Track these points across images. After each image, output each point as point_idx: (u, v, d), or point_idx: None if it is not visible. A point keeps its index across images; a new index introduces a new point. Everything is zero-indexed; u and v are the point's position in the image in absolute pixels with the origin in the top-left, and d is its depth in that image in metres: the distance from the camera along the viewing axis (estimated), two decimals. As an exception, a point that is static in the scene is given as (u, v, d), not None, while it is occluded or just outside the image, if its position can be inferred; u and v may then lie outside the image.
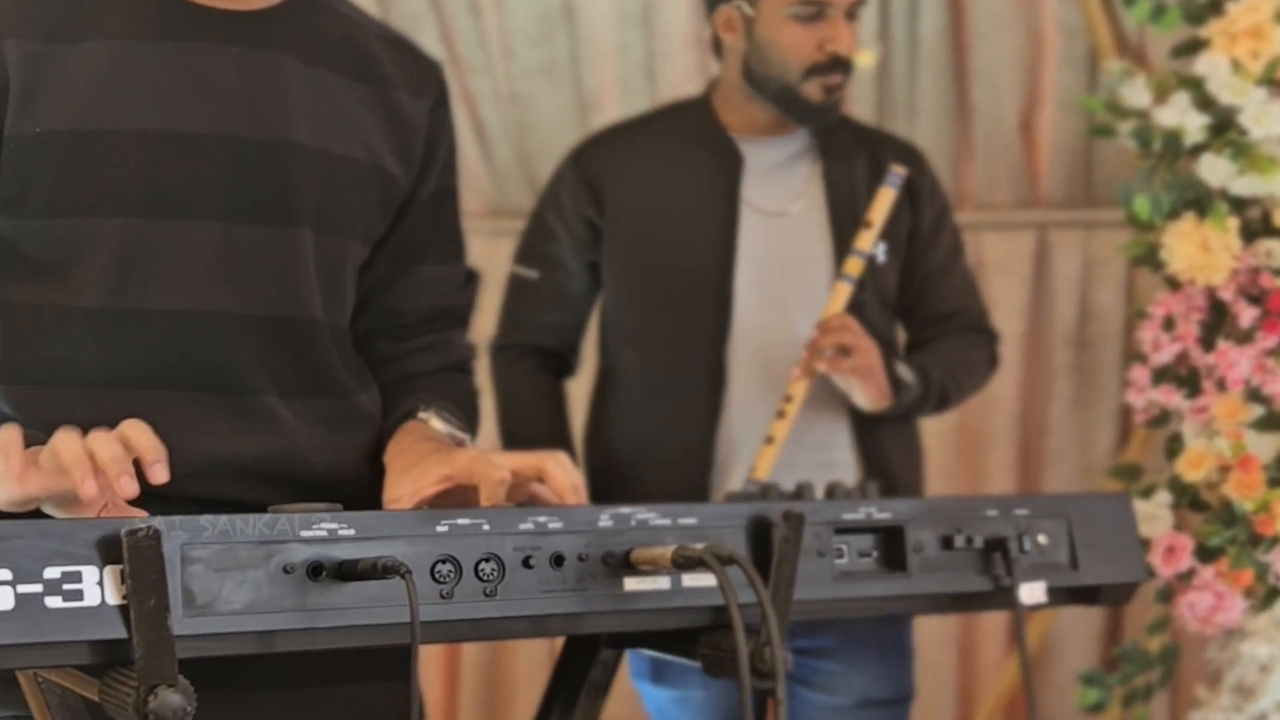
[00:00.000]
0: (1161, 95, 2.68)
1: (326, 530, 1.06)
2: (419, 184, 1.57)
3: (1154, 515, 2.65)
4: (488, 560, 1.12)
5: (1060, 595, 1.41)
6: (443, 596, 1.10)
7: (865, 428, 2.30)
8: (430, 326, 1.62)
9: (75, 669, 1.06)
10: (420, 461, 1.37)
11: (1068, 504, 1.40)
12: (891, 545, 1.31)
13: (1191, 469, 2.65)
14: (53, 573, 0.98)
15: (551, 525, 1.14)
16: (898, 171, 2.28)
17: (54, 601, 0.98)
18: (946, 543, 1.33)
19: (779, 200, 2.34)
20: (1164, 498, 2.67)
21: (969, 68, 3.28)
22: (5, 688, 1.17)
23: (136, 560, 0.99)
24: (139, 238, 1.39)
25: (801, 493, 1.33)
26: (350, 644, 1.08)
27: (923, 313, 2.41)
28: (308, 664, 1.13)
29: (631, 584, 1.17)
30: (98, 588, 1.00)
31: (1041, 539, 1.37)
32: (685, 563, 1.14)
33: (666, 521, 1.19)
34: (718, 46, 2.39)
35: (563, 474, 1.29)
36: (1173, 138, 2.65)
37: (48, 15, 1.38)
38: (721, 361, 2.29)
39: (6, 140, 1.36)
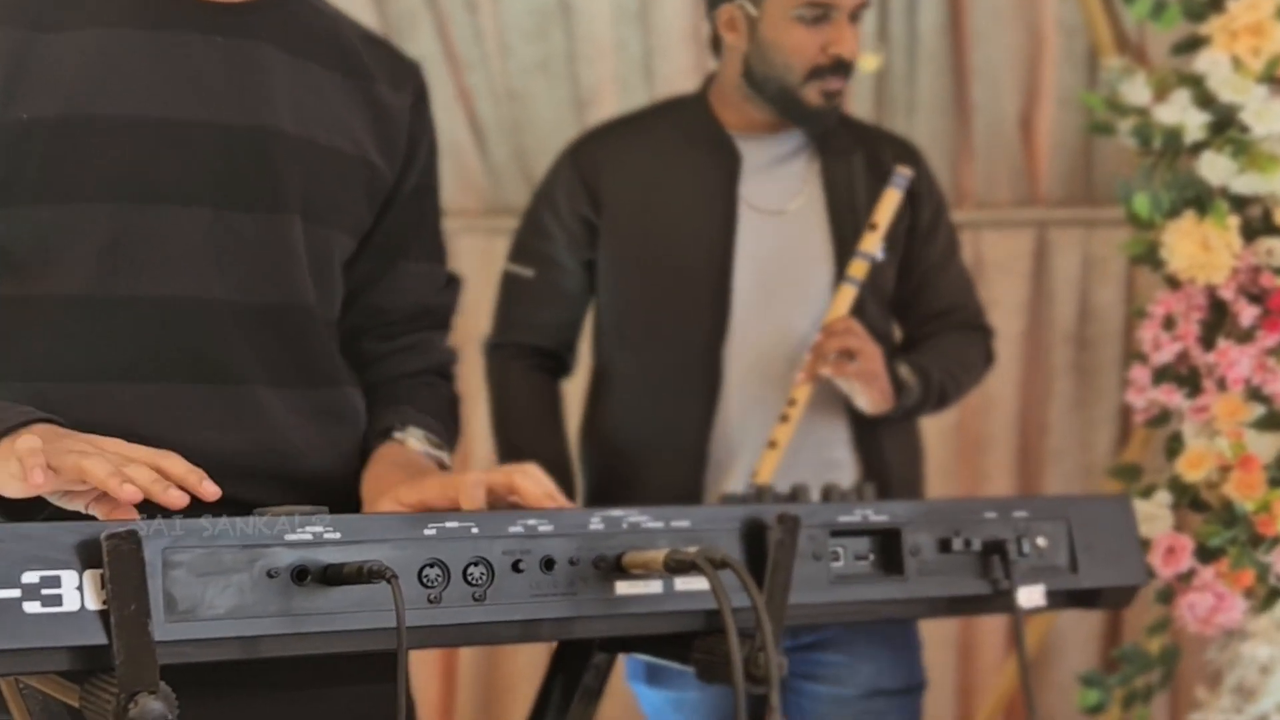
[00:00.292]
0: (1162, 93, 2.67)
1: (311, 534, 1.04)
2: (402, 178, 1.57)
3: (1154, 515, 2.64)
4: (476, 564, 1.10)
5: (1059, 599, 1.39)
6: (430, 601, 1.08)
7: (865, 427, 2.29)
8: (414, 325, 1.62)
9: (56, 675, 1.04)
10: (390, 490, 1.36)
11: (1067, 506, 1.38)
12: (888, 548, 1.29)
13: (1192, 469, 2.63)
14: (31, 577, 0.96)
15: (541, 528, 1.12)
16: (903, 173, 2.26)
17: (32, 607, 0.96)
18: (944, 545, 1.31)
19: (777, 198, 2.32)
20: (1164, 498, 2.66)
21: (968, 65, 3.26)
22: (-13, 692, 1.15)
23: (116, 564, 0.97)
24: (128, 224, 1.38)
25: (797, 495, 1.31)
26: (336, 650, 1.06)
27: (919, 309, 2.40)
28: (294, 667, 1.11)
29: (623, 588, 1.15)
30: (77, 592, 0.98)
31: (1040, 541, 1.35)
32: (678, 566, 1.12)
33: (659, 524, 1.17)
34: (716, 44, 2.37)
35: (534, 485, 1.26)
36: (1173, 135, 2.64)
37: (32, 3, 1.38)
38: (718, 361, 2.27)
39: None
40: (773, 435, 2.17)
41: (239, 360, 1.41)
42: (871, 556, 1.28)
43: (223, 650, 1.03)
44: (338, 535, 1.05)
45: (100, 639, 0.98)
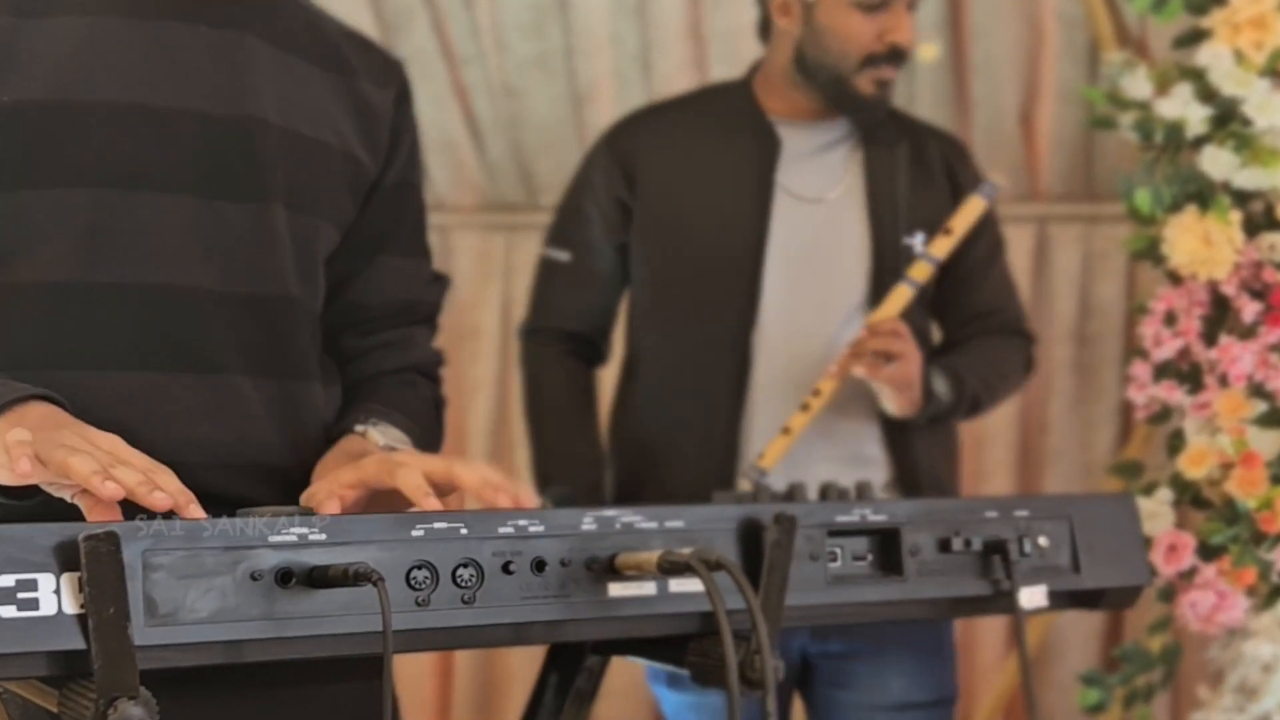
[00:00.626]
0: (1163, 86, 2.65)
1: (296, 535, 1.02)
2: (384, 173, 1.56)
3: (1155, 513, 2.63)
4: (466, 566, 1.08)
5: (1061, 599, 1.37)
6: (419, 604, 1.06)
7: (897, 424, 2.25)
8: (393, 321, 1.60)
9: (36, 680, 1.02)
10: (331, 470, 1.34)
11: (1069, 505, 1.36)
12: (887, 548, 1.27)
13: (1193, 466, 2.62)
14: (7, 580, 0.94)
15: (532, 529, 1.10)
16: (994, 183, 2.23)
17: (8, 611, 0.94)
18: (944, 545, 1.28)
19: (816, 186, 2.29)
20: (1165, 495, 2.65)
21: (968, 60, 3.25)
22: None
23: (94, 567, 0.94)
24: (111, 210, 1.36)
25: (793, 494, 1.29)
26: (321, 653, 1.04)
27: (959, 310, 2.37)
28: (278, 667, 1.09)
29: (616, 590, 1.13)
30: (54, 596, 0.95)
31: (1042, 541, 1.33)
32: (672, 568, 1.10)
33: (653, 524, 1.14)
34: (765, 29, 2.33)
35: (471, 474, 1.23)
36: (1174, 130, 2.63)
37: None
38: (747, 349, 2.23)
39: None
40: (788, 422, 2.14)
41: (220, 350, 1.40)
42: (870, 557, 1.26)
43: (205, 655, 1.01)
44: (323, 536, 1.03)
45: (78, 644, 0.96)
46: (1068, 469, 3.30)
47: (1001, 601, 1.32)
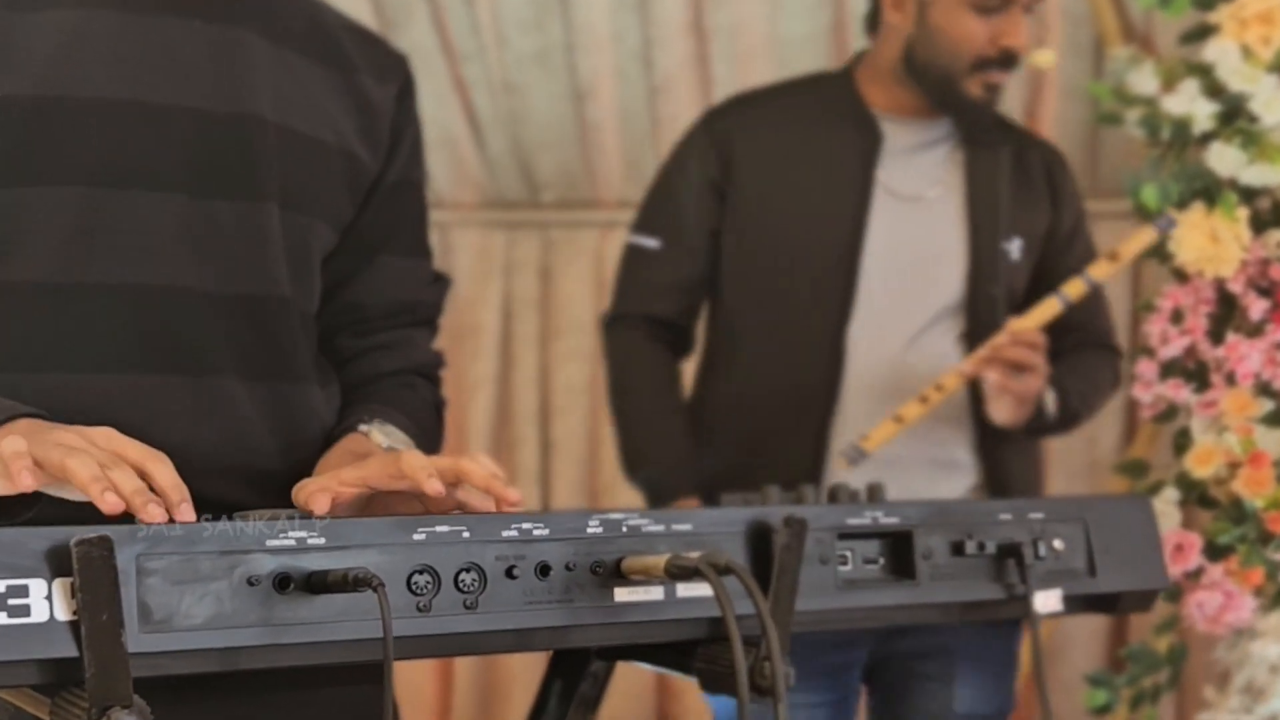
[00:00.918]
0: (1170, 82, 2.64)
1: (294, 539, 0.99)
2: (384, 171, 1.53)
3: (1161, 513, 2.61)
4: (468, 570, 1.05)
5: (1077, 603, 1.34)
6: (420, 609, 1.03)
7: (991, 430, 2.22)
8: (392, 322, 1.56)
9: (28, 688, 0.99)
10: (332, 468, 1.30)
11: (1085, 507, 1.34)
12: (899, 551, 1.24)
13: (1200, 465, 2.61)
14: (-3, 586, 0.92)
15: (537, 532, 1.07)
16: (1170, 217, 2.23)
17: (-2, 617, 0.91)
18: (957, 548, 1.26)
19: (915, 184, 2.25)
20: (1172, 495, 2.63)
21: (972, 55, 3.22)
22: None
23: (87, 572, 0.92)
24: (100, 208, 1.33)
25: (802, 496, 1.26)
26: (321, 660, 1.01)
27: (1054, 321, 2.29)
28: (277, 671, 1.06)
29: (622, 594, 1.10)
30: (46, 602, 0.93)
31: (1057, 544, 1.30)
32: (679, 572, 1.07)
33: (660, 528, 1.12)
34: (873, 22, 2.29)
35: (479, 468, 1.20)
36: (1181, 126, 2.61)
37: None
38: (841, 346, 2.20)
39: None
40: (902, 410, 2.10)
41: (212, 352, 1.37)
42: (881, 560, 1.23)
43: (200, 662, 0.98)
44: (322, 540, 1.00)
45: (71, 651, 0.93)
46: (1073, 468, 3.29)
47: (1016, 606, 1.29)
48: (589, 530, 1.09)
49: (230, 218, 1.38)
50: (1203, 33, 2.65)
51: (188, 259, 1.36)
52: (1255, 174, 2.58)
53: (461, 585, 1.05)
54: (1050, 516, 1.30)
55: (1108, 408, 3.27)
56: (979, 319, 2.23)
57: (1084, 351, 2.33)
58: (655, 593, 1.11)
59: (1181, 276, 2.65)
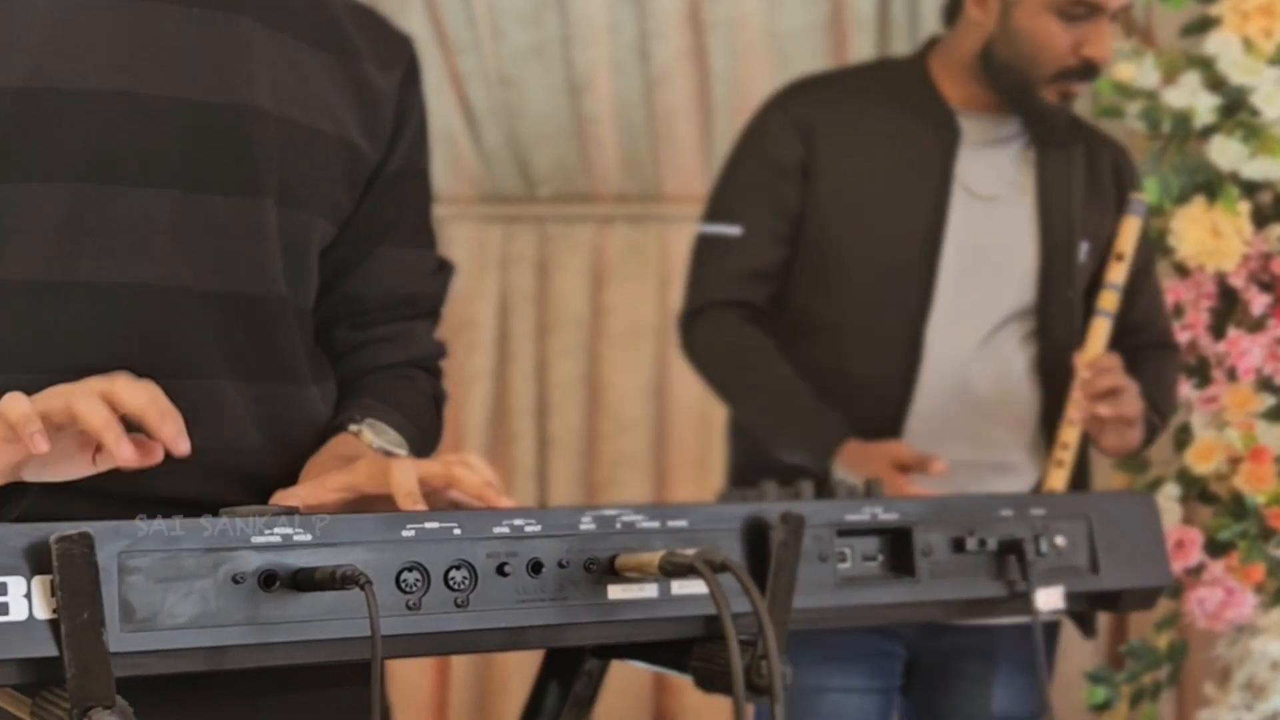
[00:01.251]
0: (1170, 75, 2.63)
1: (280, 536, 0.97)
2: (386, 160, 1.48)
3: (1162, 509, 2.59)
4: (458, 568, 1.03)
5: (1079, 601, 1.32)
6: (409, 608, 1.01)
7: (1051, 432, 2.17)
8: (392, 315, 1.52)
9: (9, 688, 0.97)
10: (322, 474, 1.28)
11: (1087, 504, 1.32)
12: (898, 548, 1.22)
13: (1201, 461, 2.61)
14: (-25, 584, 0.89)
15: (529, 529, 1.05)
16: (1139, 199, 2.17)
17: (-24, 616, 0.89)
18: (958, 545, 1.24)
19: (991, 183, 2.20)
20: (1172, 490, 2.63)
21: (971, 48, 3.20)
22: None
23: (67, 570, 0.89)
24: (90, 204, 1.29)
25: (800, 492, 1.24)
26: (308, 659, 0.99)
27: (1114, 323, 2.24)
28: (262, 672, 1.04)
29: (616, 592, 1.08)
30: (25, 600, 0.90)
31: (1059, 541, 1.28)
32: (674, 570, 1.05)
33: (654, 524, 1.10)
34: (951, 13, 2.24)
35: (472, 474, 1.18)
36: (1182, 119, 2.60)
37: None
38: (919, 344, 2.14)
39: None
40: (1048, 483, 2.07)
41: (203, 352, 1.33)
42: (881, 557, 1.21)
43: (185, 662, 0.96)
44: (308, 537, 0.98)
45: (51, 650, 0.91)
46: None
47: (1017, 603, 1.27)
48: (582, 527, 1.07)
49: (225, 214, 1.34)
50: (1204, 25, 2.64)
51: (180, 257, 1.32)
52: (1257, 167, 2.56)
53: (452, 583, 1.03)
54: (1052, 513, 1.28)
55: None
56: (1052, 322, 2.17)
57: (1149, 354, 2.27)
58: (650, 590, 1.09)
59: (1182, 271, 2.64)
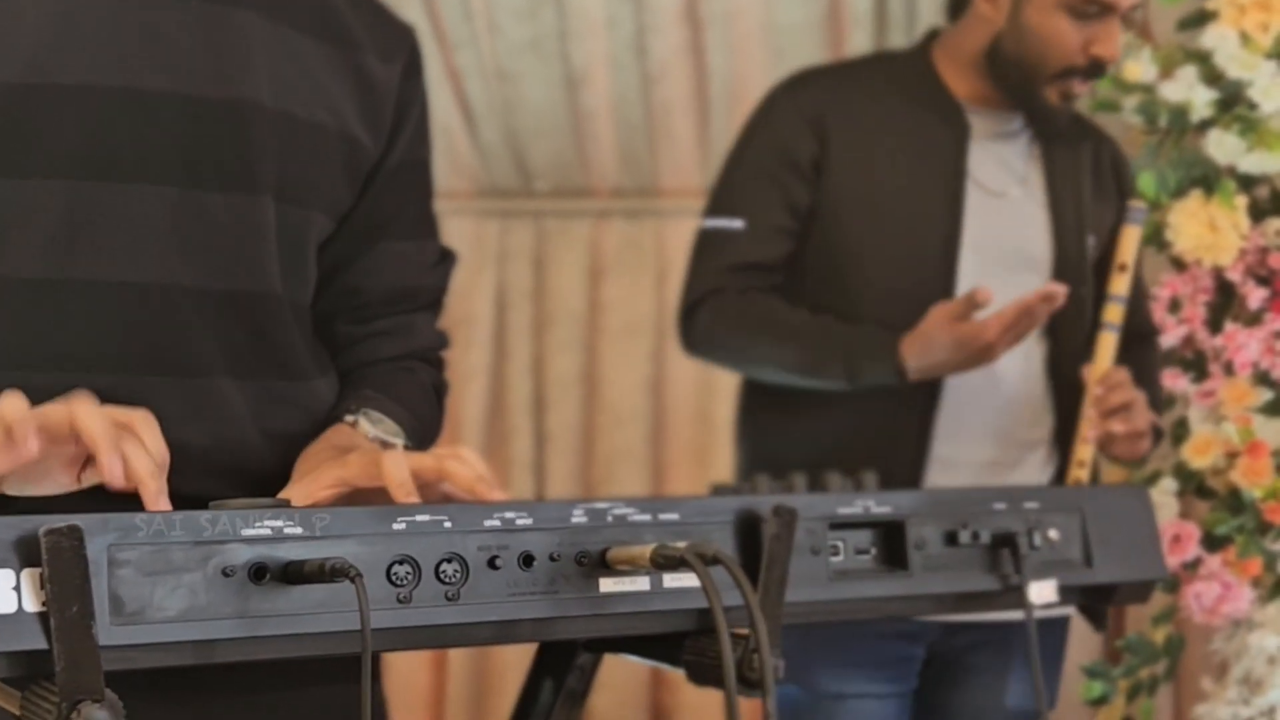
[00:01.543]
0: (1167, 69, 2.62)
1: (270, 529, 0.96)
2: (387, 153, 1.47)
3: (1159, 503, 2.60)
4: (449, 561, 1.02)
5: (1073, 594, 1.32)
6: (400, 600, 1.00)
7: (1069, 423, 2.16)
8: (392, 308, 1.51)
9: (0, 681, 0.97)
10: (316, 467, 1.27)
11: (1081, 497, 1.31)
12: (891, 542, 1.22)
13: (1198, 455, 2.60)
14: (-37, 577, 0.89)
15: (520, 522, 1.05)
16: (1138, 207, 2.16)
17: (-35, 609, 0.89)
18: (951, 538, 1.23)
19: (1001, 179, 2.19)
20: (1169, 485, 2.62)
21: (968, 42, 3.20)
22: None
23: (56, 562, 0.89)
24: (86, 202, 1.28)
25: (792, 485, 1.23)
26: (298, 653, 0.99)
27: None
28: (254, 668, 1.04)
29: (608, 585, 1.07)
30: (14, 593, 0.90)
31: (1053, 534, 1.28)
32: (666, 563, 1.04)
33: (646, 517, 1.09)
34: (957, 5, 2.22)
35: (465, 468, 1.17)
36: (1179, 113, 2.60)
37: None
38: None
39: None
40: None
41: (202, 351, 1.32)
42: (873, 550, 1.21)
43: (174, 655, 0.95)
44: (299, 530, 0.98)
45: (40, 643, 0.90)
46: (1069, 458, 3.26)
47: (1010, 596, 1.27)
48: (573, 520, 1.07)
49: (223, 211, 1.33)
50: (1201, 19, 2.63)
51: (177, 255, 1.31)
52: (1254, 161, 2.56)
53: (443, 576, 1.02)
54: (1046, 506, 1.28)
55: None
56: (1063, 320, 2.15)
57: (1134, 347, 2.26)
58: (641, 583, 1.09)
59: (1179, 265, 2.64)
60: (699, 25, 3.35)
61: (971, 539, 1.24)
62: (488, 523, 1.04)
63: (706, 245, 2.22)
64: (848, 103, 2.18)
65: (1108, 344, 2.11)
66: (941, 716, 2.24)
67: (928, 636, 2.17)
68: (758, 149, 2.20)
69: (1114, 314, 2.12)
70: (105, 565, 0.93)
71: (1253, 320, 2.60)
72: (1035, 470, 2.19)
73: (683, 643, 1.14)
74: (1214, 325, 2.63)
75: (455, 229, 3.53)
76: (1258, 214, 2.61)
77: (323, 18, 1.43)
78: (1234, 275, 2.60)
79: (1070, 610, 1.59)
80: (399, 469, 1.16)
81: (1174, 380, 2.61)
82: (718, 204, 2.22)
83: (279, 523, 0.97)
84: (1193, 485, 2.64)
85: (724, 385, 3.11)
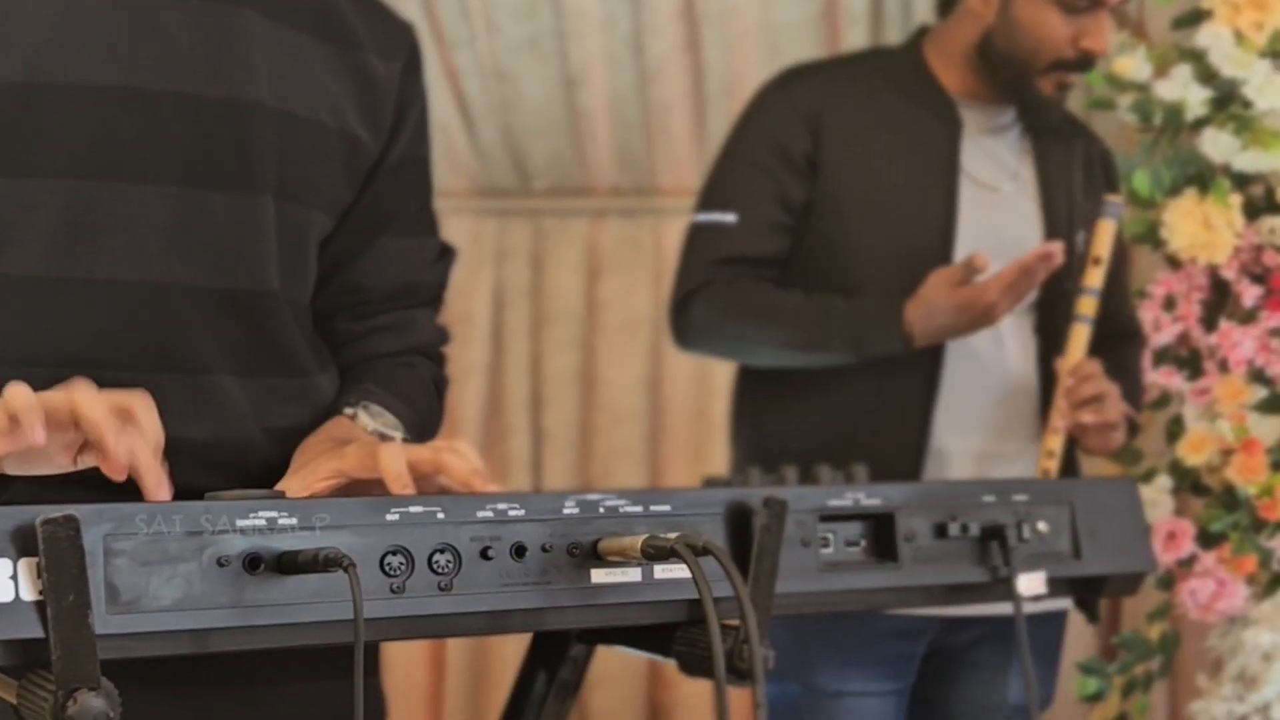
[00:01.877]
0: (1162, 68, 2.63)
1: (265, 519, 0.97)
2: (387, 151, 1.47)
3: (1154, 500, 2.61)
4: (442, 551, 1.03)
5: (1062, 586, 1.33)
6: (393, 591, 1.01)
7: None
8: (392, 304, 1.52)
9: (-2, 670, 0.98)
10: (314, 459, 1.28)
11: (1070, 490, 1.32)
12: (881, 534, 1.22)
13: (1193, 452, 2.61)
14: (-39, 566, 0.90)
15: (512, 513, 1.06)
16: (1114, 201, 2.16)
17: (-38, 598, 0.90)
18: (940, 531, 1.24)
19: (993, 174, 2.20)
20: (1165, 482, 2.63)
21: (964, 41, 3.20)
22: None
23: (53, 552, 0.90)
24: (87, 201, 1.29)
25: (783, 477, 1.24)
26: (292, 643, 1.00)
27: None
28: (254, 660, 1.05)
29: (599, 576, 1.08)
30: (11, 582, 0.91)
31: (1042, 526, 1.29)
32: (656, 553, 1.05)
33: (637, 509, 1.10)
34: (947, 2, 2.23)
35: (461, 461, 1.18)
36: (1174, 112, 2.60)
37: None
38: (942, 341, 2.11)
39: None
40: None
41: (202, 348, 1.33)
42: (863, 542, 1.22)
43: (170, 644, 0.96)
44: (293, 521, 0.99)
45: (37, 632, 0.91)
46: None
47: (999, 588, 1.27)
48: (565, 511, 1.08)
49: (223, 210, 1.34)
50: (1195, 18, 2.64)
51: (178, 254, 1.32)
52: (1248, 160, 2.57)
53: (436, 566, 1.03)
54: (1035, 499, 1.29)
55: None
56: (1053, 315, 2.17)
57: (1117, 345, 2.26)
58: (633, 574, 1.10)
59: (1174, 263, 2.65)
60: (696, 24, 3.35)
61: (961, 531, 1.25)
62: (480, 514, 1.05)
63: (698, 238, 2.22)
64: (842, 99, 2.19)
65: (1080, 336, 2.11)
66: (941, 712, 2.24)
67: (927, 633, 2.18)
68: (751, 143, 2.20)
69: (1087, 306, 2.13)
70: (101, 555, 0.94)
71: (1247, 318, 2.61)
72: (1030, 463, 2.20)
73: (674, 634, 1.15)
74: (1209, 323, 2.63)
75: (453, 228, 3.53)
76: (1252, 212, 2.61)
77: (323, 16, 1.43)
78: (1229, 273, 2.61)
79: (1066, 605, 1.59)
80: (396, 461, 1.17)
81: (1169, 378, 2.62)
82: (710, 197, 2.22)
83: (273, 513, 0.98)
84: (1188, 482, 2.64)
85: (721, 383, 3.11)
